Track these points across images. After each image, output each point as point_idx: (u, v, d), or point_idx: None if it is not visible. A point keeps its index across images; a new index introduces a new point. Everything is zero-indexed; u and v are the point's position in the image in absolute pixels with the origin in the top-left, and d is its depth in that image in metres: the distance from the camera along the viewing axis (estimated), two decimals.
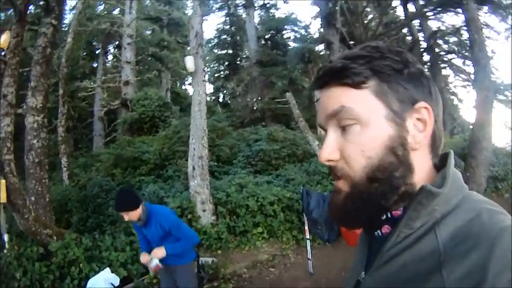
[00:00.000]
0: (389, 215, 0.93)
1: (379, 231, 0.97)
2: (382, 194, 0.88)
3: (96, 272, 6.58)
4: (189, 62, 10.53)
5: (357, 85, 0.89)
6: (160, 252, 4.55)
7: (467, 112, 47.40)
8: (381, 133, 0.88)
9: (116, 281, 6.28)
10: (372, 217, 0.93)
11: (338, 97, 0.91)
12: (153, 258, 4.61)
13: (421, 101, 0.91)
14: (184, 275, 4.89)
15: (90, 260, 7.04)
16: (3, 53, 7.89)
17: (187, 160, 11.29)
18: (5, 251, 7.10)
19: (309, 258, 8.18)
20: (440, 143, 0.96)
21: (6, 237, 7.32)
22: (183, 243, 4.66)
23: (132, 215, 4.45)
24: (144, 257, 4.73)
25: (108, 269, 6.46)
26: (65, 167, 13.94)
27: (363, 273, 0.99)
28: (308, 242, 8.30)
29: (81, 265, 6.86)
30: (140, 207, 4.52)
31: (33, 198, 8.10)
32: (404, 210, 0.89)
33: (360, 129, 0.89)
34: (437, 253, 0.79)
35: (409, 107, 0.91)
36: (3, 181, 6.85)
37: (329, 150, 0.93)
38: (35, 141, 8.30)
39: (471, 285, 0.70)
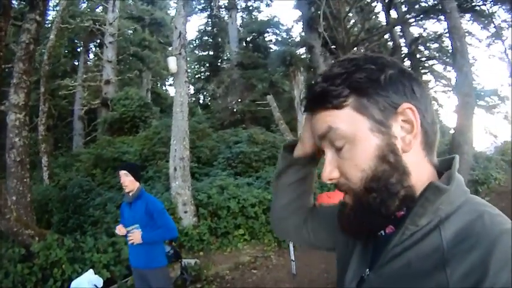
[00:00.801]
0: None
1: (382, 231, 1.00)
2: (381, 201, 0.91)
3: (79, 274, 6.50)
4: (172, 63, 10.51)
5: (337, 106, 0.93)
6: (137, 236, 4.67)
7: (448, 117, 48.13)
8: (369, 145, 0.91)
9: (100, 282, 6.22)
10: (375, 225, 0.98)
11: (324, 119, 0.96)
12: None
13: (403, 102, 0.92)
14: (158, 280, 4.87)
15: (72, 261, 6.96)
16: None
17: (167, 161, 11.27)
18: None
19: (292, 260, 8.21)
20: (435, 137, 0.99)
21: None
22: (161, 232, 4.78)
23: (129, 181, 4.77)
24: (118, 228, 4.97)
25: (91, 271, 6.39)
26: (45, 166, 13.75)
27: (367, 270, 1.01)
28: (291, 243, 8.33)
29: (63, 266, 6.76)
30: (138, 184, 4.86)
31: (14, 198, 7.98)
32: (408, 210, 0.92)
33: (350, 146, 0.93)
34: (441, 251, 0.82)
35: (392, 113, 0.92)
36: None
37: (329, 170, 0.98)
38: (16, 140, 8.20)
39: (473, 282, 0.74)
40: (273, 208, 1.48)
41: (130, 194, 4.81)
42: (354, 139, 0.92)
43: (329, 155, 0.99)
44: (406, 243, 0.90)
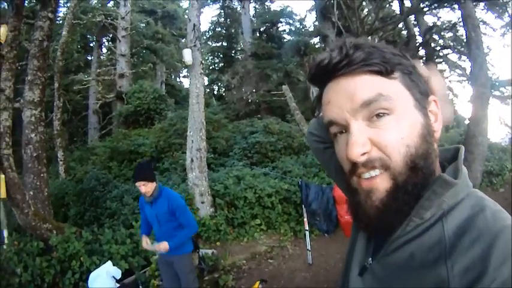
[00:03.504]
0: None
1: None
2: (423, 182, 0.88)
3: (97, 266, 6.56)
4: (187, 55, 10.50)
5: (387, 74, 0.88)
6: (163, 246, 4.66)
7: (463, 107, 47.74)
8: (415, 122, 0.89)
9: (118, 273, 6.26)
10: (411, 209, 0.88)
11: (371, 85, 0.87)
12: (154, 245, 4.83)
13: (431, 94, 0.96)
14: (184, 265, 4.96)
15: (90, 254, 7.03)
16: None
17: (183, 152, 11.33)
18: (5, 246, 7.09)
19: (308, 249, 8.23)
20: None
21: (5, 232, 7.31)
22: (184, 234, 4.78)
23: (149, 187, 4.69)
24: (144, 241, 4.96)
25: (109, 262, 6.43)
26: (61, 160, 13.88)
27: (370, 259, 1.02)
28: (307, 233, 8.34)
29: (82, 259, 6.83)
30: (155, 183, 4.76)
31: (31, 193, 8.05)
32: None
33: (395, 118, 0.87)
34: (444, 244, 0.82)
35: (426, 99, 0.94)
36: (3, 176, 6.83)
37: (361, 142, 0.87)
38: (32, 135, 8.26)
39: (473, 277, 0.74)
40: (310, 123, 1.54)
41: (151, 196, 4.78)
42: (402, 113, 0.88)
43: (357, 126, 0.89)
44: (409, 235, 0.90)
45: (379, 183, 0.89)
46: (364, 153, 0.88)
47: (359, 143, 0.87)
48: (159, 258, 5.30)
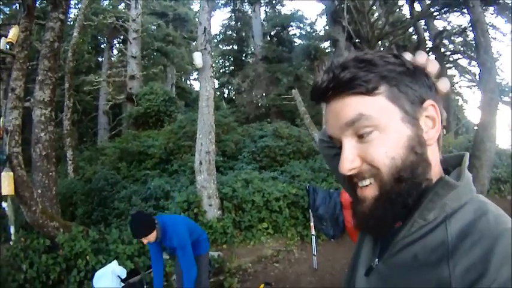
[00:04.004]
0: None
1: None
2: (408, 192, 0.91)
3: (103, 265, 6.60)
4: (198, 58, 10.52)
5: (370, 92, 0.91)
6: None
7: (472, 112, 47.23)
8: (400, 135, 0.91)
9: (123, 273, 6.29)
10: (398, 216, 0.95)
11: (354, 106, 0.92)
12: None
13: (427, 99, 0.95)
14: (199, 266, 4.91)
15: (97, 253, 7.09)
16: (8, 47, 7.89)
17: (192, 155, 11.31)
18: (11, 243, 7.15)
19: (313, 254, 8.22)
20: (441, 136, 1.00)
21: (12, 229, 7.36)
22: (186, 280, 4.67)
23: (151, 237, 4.52)
24: None
25: (115, 262, 6.46)
26: (70, 160, 13.97)
27: (376, 260, 1.03)
28: (313, 238, 8.35)
29: (88, 257, 6.89)
30: (155, 229, 4.56)
31: (39, 191, 8.08)
32: (414, 204, 0.92)
33: (379, 134, 0.91)
34: (446, 245, 0.84)
35: (419, 107, 0.94)
36: (11, 173, 6.87)
37: (350, 159, 0.94)
38: (42, 134, 8.30)
39: (474, 277, 0.75)
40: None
41: (157, 239, 4.62)
42: (386, 128, 0.91)
43: (348, 144, 0.95)
44: (413, 236, 0.93)
45: (368, 192, 0.96)
46: (354, 168, 0.95)
47: (348, 160, 0.94)
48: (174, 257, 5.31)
